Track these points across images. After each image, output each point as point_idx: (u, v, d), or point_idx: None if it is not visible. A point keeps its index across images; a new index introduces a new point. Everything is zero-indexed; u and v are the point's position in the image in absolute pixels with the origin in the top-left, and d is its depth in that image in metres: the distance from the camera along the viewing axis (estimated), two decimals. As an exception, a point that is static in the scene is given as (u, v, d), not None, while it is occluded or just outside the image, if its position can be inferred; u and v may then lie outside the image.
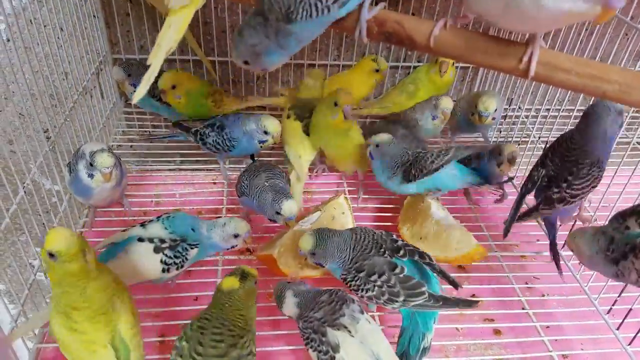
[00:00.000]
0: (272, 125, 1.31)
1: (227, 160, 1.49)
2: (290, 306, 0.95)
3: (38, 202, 1.08)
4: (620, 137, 1.20)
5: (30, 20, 1.11)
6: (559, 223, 1.22)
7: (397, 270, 0.98)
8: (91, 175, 1.11)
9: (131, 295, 0.87)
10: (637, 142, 1.33)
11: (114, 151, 1.16)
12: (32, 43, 1.11)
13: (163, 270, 1.03)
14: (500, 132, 1.76)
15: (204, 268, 1.18)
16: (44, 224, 1.11)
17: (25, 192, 1.03)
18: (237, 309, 0.84)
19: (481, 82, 1.80)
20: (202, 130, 1.37)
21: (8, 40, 1.22)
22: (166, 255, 1.03)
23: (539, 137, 1.55)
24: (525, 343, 1.10)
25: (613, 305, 1.10)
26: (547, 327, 1.12)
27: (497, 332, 1.14)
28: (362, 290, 0.99)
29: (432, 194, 1.28)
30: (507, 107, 1.76)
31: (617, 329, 1.08)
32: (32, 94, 1.07)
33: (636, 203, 1.00)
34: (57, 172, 1.17)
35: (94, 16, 1.45)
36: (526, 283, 1.25)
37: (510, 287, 1.20)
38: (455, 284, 1.02)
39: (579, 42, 1.52)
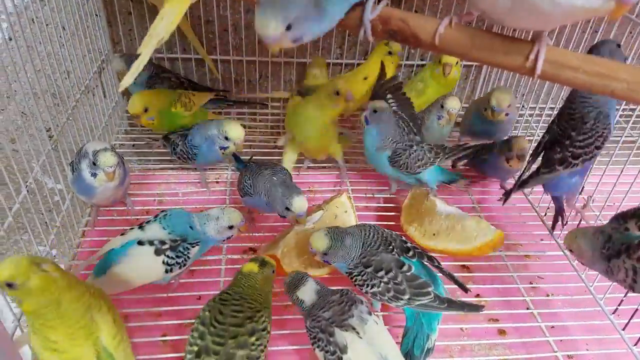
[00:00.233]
0: (233, 130, 1.24)
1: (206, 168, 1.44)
2: (308, 292, 0.93)
3: (41, 201, 1.08)
4: (625, 136, 1.20)
5: (32, 19, 1.10)
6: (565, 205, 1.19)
7: (405, 269, 0.98)
8: (94, 175, 1.10)
9: (111, 302, 0.85)
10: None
11: (116, 150, 1.16)
12: (35, 42, 1.10)
13: (166, 271, 1.02)
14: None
15: (207, 267, 1.18)
16: (46, 222, 1.11)
17: (28, 191, 1.02)
18: (255, 289, 0.92)
19: (484, 80, 1.79)
20: (173, 139, 1.35)
21: (10, 39, 1.22)
22: (168, 257, 1.02)
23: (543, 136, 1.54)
24: (530, 343, 1.09)
25: (619, 305, 1.09)
26: (552, 327, 1.11)
27: (501, 332, 1.13)
28: (368, 285, 0.98)
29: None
30: (511, 105, 1.75)
31: (623, 329, 1.08)
32: (35, 92, 1.07)
33: (640, 203, 0.99)
34: (60, 171, 1.17)
35: (96, 15, 1.44)
36: (530, 283, 1.24)
37: (514, 287, 1.19)
38: (464, 288, 1.02)
39: (583, 40, 1.51)
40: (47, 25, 1.16)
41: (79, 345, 0.77)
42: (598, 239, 0.95)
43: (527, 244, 1.31)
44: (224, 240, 1.09)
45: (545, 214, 1.38)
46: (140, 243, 1.02)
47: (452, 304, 0.96)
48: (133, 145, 1.61)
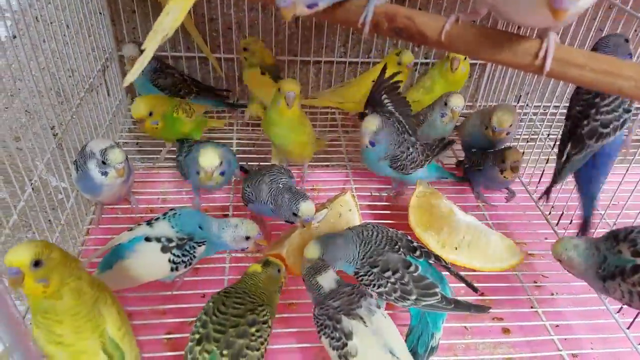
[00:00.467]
0: (203, 159, 1.14)
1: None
2: (328, 279, 0.93)
3: (45, 198, 1.08)
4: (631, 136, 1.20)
5: (37, 18, 1.10)
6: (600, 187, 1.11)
7: (412, 269, 0.98)
8: (105, 173, 1.10)
9: (114, 295, 0.85)
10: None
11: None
12: (39, 40, 1.10)
13: (172, 269, 1.03)
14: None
15: (211, 266, 1.18)
16: (50, 220, 1.11)
17: (32, 189, 1.03)
18: (259, 287, 0.94)
19: (489, 78, 1.79)
20: (184, 148, 1.31)
21: (14, 37, 1.22)
22: (174, 255, 1.02)
23: (548, 135, 1.53)
24: (534, 342, 1.09)
25: (623, 304, 1.09)
26: (557, 326, 1.11)
27: (506, 330, 1.13)
28: (375, 285, 0.98)
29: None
30: (515, 104, 1.75)
31: (628, 328, 1.07)
32: (39, 91, 1.07)
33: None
34: (64, 169, 1.17)
35: (100, 13, 1.45)
36: (535, 282, 1.24)
37: (519, 285, 1.19)
38: (474, 288, 1.02)
39: (588, 38, 1.50)
40: (51, 23, 1.16)
41: (84, 338, 0.78)
42: (593, 255, 0.96)
43: (532, 242, 1.31)
44: (241, 250, 1.11)
45: (550, 213, 1.38)
46: (147, 239, 1.02)
47: (459, 305, 0.96)
48: (137, 143, 1.61)
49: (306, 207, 1.07)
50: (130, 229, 1.06)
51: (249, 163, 1.48)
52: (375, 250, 1.00)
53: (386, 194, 1.44)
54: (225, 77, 1.68)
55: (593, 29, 1.51)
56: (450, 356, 1.06)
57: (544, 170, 1.46)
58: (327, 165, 1.58)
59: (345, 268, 1.04)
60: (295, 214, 1.08)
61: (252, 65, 1.51)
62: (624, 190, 1.17)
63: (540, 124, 1.56)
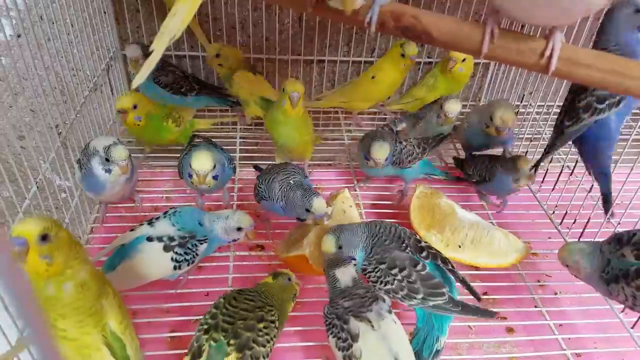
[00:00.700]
0: (196, 163, 1.12)
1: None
2: (347, 274, 0.94)
3: (50, 197, 1.08)
4: (635, 134, 1.20)
5: (41, 16, 1.11)
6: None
7: (419, 267, 0.98)
8: (109, 170, 1.10)
9: (115, 290, 0.85)
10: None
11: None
12: (44, 39, 1.10)
13: (175, 268, 1.03)
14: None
15: (215, 264, 1.18)
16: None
17: (38, 187, 1.03)
18: (271, 293, 0.96)
19: (492, 77, 1.79)
20: (185, 150, 1.28)
21: (19, 36, 1.22)
22: (176, 253, 1.02)
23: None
24: (538, 341, 1.09)
25: (627, 307, 1.09)
26: (560, 325, 1.11)
27: (509, 330, 1.13)
28: (382, 282, 0.98)
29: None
30: (518, 103, 1.75)
31: (632, 327, 1.07)
32: (43, 90, 1.07)
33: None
34: (69, 168, 1.17)
35: (104, 12, 1.45)
36: (538, 281, 1.24)
37: (522, 284, 1.19)
38: (477, 296, 1.02)
39: (591, 38, 1.50)
40: (55, 22, 1.16)
41: (88, 332, 0.78)
42: (597, 258, 0.97)
43: (535, 241, 1.31)
44: (230, 242, 1.10)
45: (554, 212, 1.38)
46: (149, 239, 1.02)
47: (465, 308, 0.97)
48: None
49: (319, 204, 1.08)
50: (132, 230, 1.06)
51: (252, 162, 1.48)
52: (381, 246, 1.01)
53: (362, 185, 1.47)
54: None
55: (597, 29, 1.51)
56: (454, 355, 1.06)
57: (547, 170, 1.46)
58: (331, 164, 1.58)
59: (360, 256, 1.04)
60: (308, 210, 1.09)
61: (230, 69, 1.49)
62: (629, 190, 1.17)
63: (543, 124, 1.56)
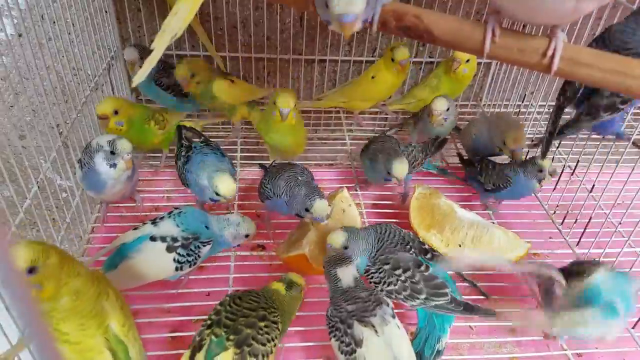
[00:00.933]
0: (224, 186, 1.11)
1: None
2: (348, 274, 0.93)
3: (51, 197, 1.08)
4: (636, 135, 1.20)
5: (42, 16, 1.10)
6: None
7: (422, 268, 0.98)
8: (114, 165, 1.10)
9: (116, 290, 0.85)
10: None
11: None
12: (45, 38, 1.10)
13: (176, 269, 1.03)
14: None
15: (216, 264, 1.18)
16: (53, 219, 1.11)
17: (39, 187, 1.03)
18: (278, 299, 0.96)
19: (493, 77, 1.79)
20: (180, 151, 1.25)
21: (20, 36, 1.22)
22: (179, 254, 1.02)
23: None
24: (539, 341, 1.09)
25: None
26: (561, 325, 1.11)
27: (511, 330, 1.13)
28: (385, 283, 0.98)
29: None
30: (519, 103, 1.75)
31: (633, 327, 1.07)
32: (45, 89, 1.07)
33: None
34: (70, 167, 1.17)
35: (105, 12, 1.45)
36: (539, 281, 1.23)
37: (523, 284, 1.18)
38: (484, 294, 1.02)
39: (594, 35, 1.50)
40: (56, 21, 1.16)
41: (90, 335, 0.77)
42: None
43: (536, 242, 1.31)
44: (234, 246, 1.13)
45: (555, 212, 1.38)
46: (152, 239, 1.02)
47: (467, 308, 0.97)
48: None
49: (320, 206, 1.07)
50: (135, 228, 1.06)
51: (253, 162, 1.48)
52: (387, 248, 1.01)
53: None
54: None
55: (599, 27, 1.51)
56: (455, 355, 1.06)
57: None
58: (332, 164, 1.58)
59: (362, 262, 1.04)
60: (307, 210, 1.08)
61: (205, 84, 1.42)
62: (630, 190, 1.17)
63: (544, 124, 1.56)
